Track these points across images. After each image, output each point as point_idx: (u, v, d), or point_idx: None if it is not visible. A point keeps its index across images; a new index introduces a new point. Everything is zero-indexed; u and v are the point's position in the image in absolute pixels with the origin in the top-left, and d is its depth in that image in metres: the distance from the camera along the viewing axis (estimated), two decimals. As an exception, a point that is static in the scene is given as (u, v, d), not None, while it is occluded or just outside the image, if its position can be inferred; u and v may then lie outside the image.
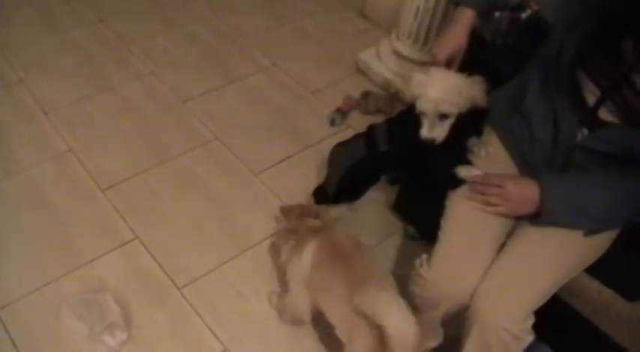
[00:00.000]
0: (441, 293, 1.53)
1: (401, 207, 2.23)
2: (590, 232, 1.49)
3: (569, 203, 1.45)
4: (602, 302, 1.59)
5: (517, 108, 1.63)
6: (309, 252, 1.65)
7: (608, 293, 1.57)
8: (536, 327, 1.46)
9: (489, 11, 1.79)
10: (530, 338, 1.45)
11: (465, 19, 1.70)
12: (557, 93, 1.48)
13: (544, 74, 1.53)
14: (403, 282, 1.67)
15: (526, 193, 1.51)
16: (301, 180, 2.41)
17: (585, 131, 1.45)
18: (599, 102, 1.40)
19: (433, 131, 1.66)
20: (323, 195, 2.10)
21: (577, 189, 1.45)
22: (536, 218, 1.51)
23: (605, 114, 1.40)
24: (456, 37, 1.70)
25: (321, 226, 1.72)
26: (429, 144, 1.67)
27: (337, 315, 1.59)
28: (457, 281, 1.51)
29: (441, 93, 1.61)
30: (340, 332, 1.57)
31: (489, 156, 1.69)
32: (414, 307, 1.66)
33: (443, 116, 1.65)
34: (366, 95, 2.77)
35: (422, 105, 1.65)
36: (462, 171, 1.66)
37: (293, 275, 1.74)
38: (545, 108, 1.52)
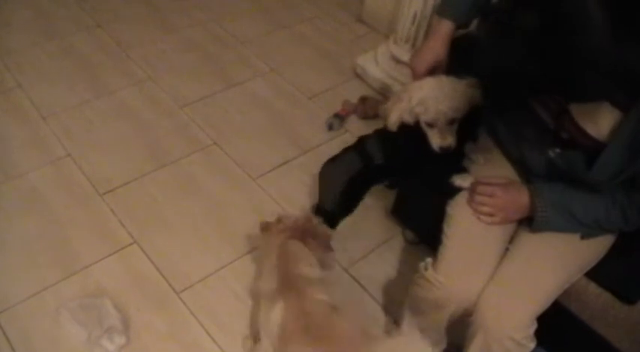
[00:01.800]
0: (446, 295, 1.53)
1: (399, 212, 2.23)
2: (586, 235, 1.50)
3: (560, 209, 1.46)
4: (599, 305, 1.59)
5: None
6: (277, 317, 1.54)
7: (605, 297, 1.57)
8: (535, 332, 1.46)
9: (467, 24, 1.77)
10: (532, 345, 1.45)
11: (444, 31, 1.67)
12: (519, 114, 1.50)
13: (502, 96, 1.55)
14: (403, 286, 1.67)
15: (517, 200, 1.52)
16: (299, 184, 2.42)
17: (557, 150, 1.45)
18: (557, 127, 1.41)
19: (446, 139, 1.66)
20: (324, 214, 2.02)
21: (565, 196, 1.46)
22: (531, 224, 1.52)
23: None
24: (434, 50, 1.67)
25: (305, 281, 1.59)
26: (447, 152, 1.67)
27: None
28: (464, 284, 1.51)
29: (449, 100, 1.61)
30: None
31: (488, 161, 1.70)
32: (418, 310, 1.66)
33: (452, 122, 1.65)
34: (363, 100, 2.78)
35: (430, 117, 1.64)
36: (457, 180, 1.66)
37: (264, 329, 1.65)
38: (511, 127, 1.54)
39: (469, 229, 1.58)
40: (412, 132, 1.71)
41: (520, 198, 1.51)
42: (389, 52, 2.88)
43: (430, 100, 1.62)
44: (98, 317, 1.86)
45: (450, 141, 1.66)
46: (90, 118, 2.63)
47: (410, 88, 1.68)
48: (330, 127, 2.69)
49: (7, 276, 2.00)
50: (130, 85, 2.83)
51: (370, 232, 2.29)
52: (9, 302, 1.93)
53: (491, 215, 1.56)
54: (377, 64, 2.95)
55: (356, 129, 2.68)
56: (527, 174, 1.60)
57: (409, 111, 1.67)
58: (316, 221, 1.77)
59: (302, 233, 1.69)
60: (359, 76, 3.02)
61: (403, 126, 1.72)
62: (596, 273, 1.54)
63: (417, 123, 1.70)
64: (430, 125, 1.67)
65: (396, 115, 1.69)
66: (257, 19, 3.38)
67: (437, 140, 1.67)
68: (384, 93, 2.87)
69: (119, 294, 1.98)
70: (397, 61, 2.83)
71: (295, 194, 2.37)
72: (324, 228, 1.79)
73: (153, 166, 2.44)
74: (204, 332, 1.92)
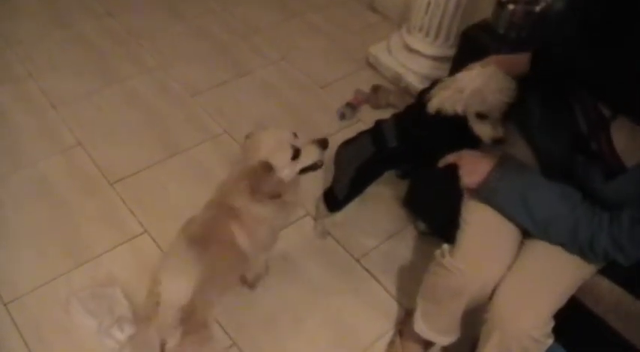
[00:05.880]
0: (464, 282, 1.51)
1: (412, 203, 2.21)
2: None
3: (516, 189, 1.43)
4: (612, 300, 1.58)
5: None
6: None
7: (618, 291, 1.56)
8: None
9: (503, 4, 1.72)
10: (550, 341, 1.44)
11: None
12: (555, 113, 1.46)
13: (544, 93, 1.50)
14: (415, 276, 1.66)
15: (479, 162, 1.50)
16: (311, 173, 2.39)
17: (581, 158, 1.41)
18: (590, 135, 1.37)
19: (498, 130, 1.60)
20: (334, 201, 2.05)
21: (531, 183, 1.43)
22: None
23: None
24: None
25: None
26: (500, 143, 1.62)
27: None
28: (482, 270, 1.50)
29: (505, 91, 1.54)
30: None
31: (510, 146, 1.65)
32: (434, 299, 1.64)
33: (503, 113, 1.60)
34: (376, 89, 2.76)
35: (486, 109, 1.58)
36: None
37: None
38: (544, 125, 1.51)
39: (488, 216, 1.55)
40: (430, 121, 1.67)
41: (484, 163, 1.49)
42: (402, 41, 2.85)
43: (488, 91, 1.55)
44: (108, 307, 1.86)
45: (501, 132, 1.60)
46: (100, 107, 2.63)
47: (460, 78, 1.61)
48: (342, 116, 2.67)
49: (17, 265, 2.01)
50: (140, 73, 2.82)
51: (382, 223, 2.28)
52: (19, 292, 1.93)
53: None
54: (390, 53, 2.92)
55: (368, 118, 2.66)
56: (544, 164, 1.56)
57: (457, 102, 1.60)
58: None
59: None
60: (371, 65, 3.00)
61: (421, 114, 1.68)
62: (609, 269, 1.53)
63: (457, 114, 1.64)
64: (482, 116, 1.60)
65: (438, 101, 1.62)
66: (268, 8, 3.36)
67: (489, 132, 1.60)
68: (397, 82, 2.85)
69: (129, 284, 1.97)
70: (410, 50, 2.80)
71: (306, 183, 2.34)
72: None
73: (163, 155, 2.43)
74: (216, 322, 1.91)
